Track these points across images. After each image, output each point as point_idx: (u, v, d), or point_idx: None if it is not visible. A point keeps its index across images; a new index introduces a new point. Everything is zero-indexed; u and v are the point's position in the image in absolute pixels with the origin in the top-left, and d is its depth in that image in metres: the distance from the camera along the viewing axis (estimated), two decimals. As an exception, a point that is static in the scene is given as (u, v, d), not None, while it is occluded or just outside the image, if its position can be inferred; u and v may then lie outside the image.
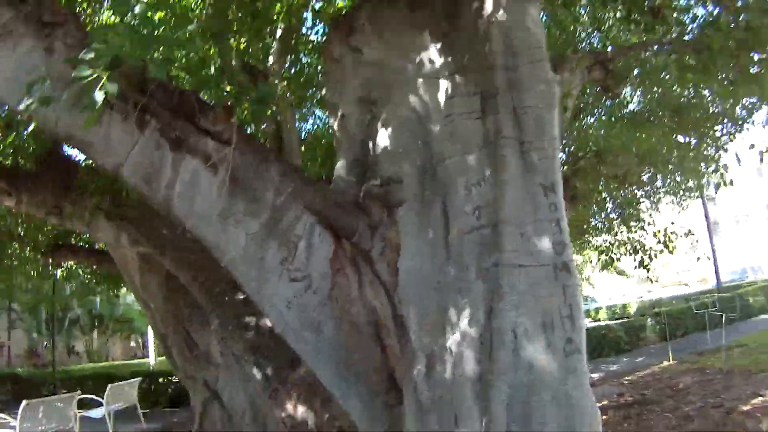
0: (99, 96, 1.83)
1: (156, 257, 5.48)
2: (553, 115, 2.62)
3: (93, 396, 6.54)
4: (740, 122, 7.73)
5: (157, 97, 2.49)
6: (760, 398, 4.64)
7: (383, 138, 3.01)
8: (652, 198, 9.69)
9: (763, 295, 16.19)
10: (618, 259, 10.05)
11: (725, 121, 7.70)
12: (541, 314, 2.43)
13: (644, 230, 9.39)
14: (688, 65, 4.76)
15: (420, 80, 3.00)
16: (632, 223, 9.34)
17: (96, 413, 6.49)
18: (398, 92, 3.05)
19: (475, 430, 2.40)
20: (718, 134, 7.84)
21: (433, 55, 3.01)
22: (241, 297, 4.97)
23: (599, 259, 10.81)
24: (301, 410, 3.96)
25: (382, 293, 2.90)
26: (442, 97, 2.93)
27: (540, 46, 2.71)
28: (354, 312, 2.93)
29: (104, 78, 1.84)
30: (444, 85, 2.94)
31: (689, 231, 9.44)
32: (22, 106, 2.30)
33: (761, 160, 6.24)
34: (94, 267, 7.24)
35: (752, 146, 6.24)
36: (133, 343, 32.79)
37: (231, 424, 4.98)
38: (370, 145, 3.17)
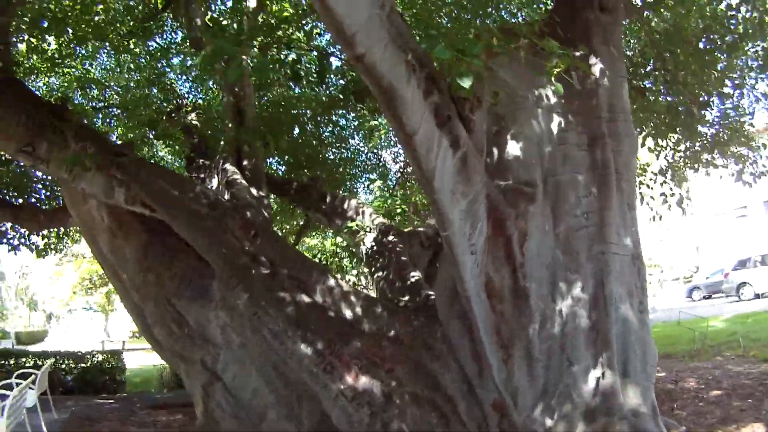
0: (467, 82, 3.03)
1: (157, 219, 5.80)
2: (635, 157, 4.78)
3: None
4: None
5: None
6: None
7: (514, 148, 4.72)
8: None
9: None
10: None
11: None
12: (626, 286, 4.50)
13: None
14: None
15: (539, 110, 4.83)
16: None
17: (28, 401, 6.10)
18: (522, 115, 4.81)
19: (588, 364, 4.27)
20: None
21: (549, 94, 4.88)
22: (265, 272, 5.83)
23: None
24: (363, 381, 5.03)
25: (505, 269, 4.56)
26: (555, 128, 4.82)
27: (628, 110, 4.86)
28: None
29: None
30: (557, 119, 4.84)
31: None
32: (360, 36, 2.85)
33: None
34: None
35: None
36: None
37: (238, 406, 5.65)
38: (495, 150, 4.83)
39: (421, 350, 5.11)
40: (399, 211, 11.09)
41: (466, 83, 2.89)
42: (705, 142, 6.70)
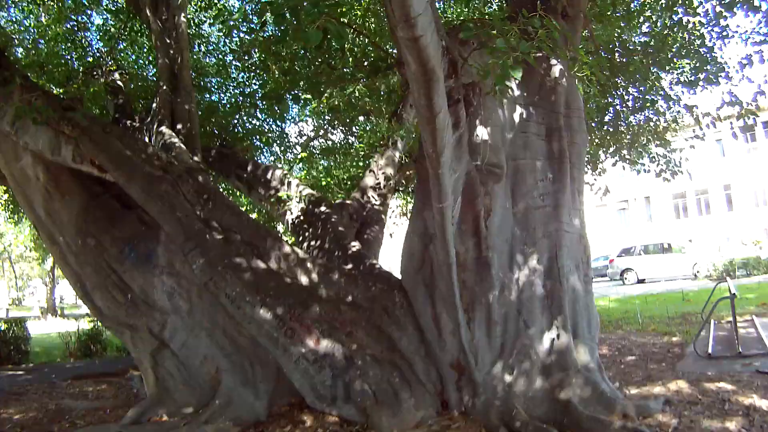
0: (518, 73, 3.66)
1: (97, 180, 5.81)
2: (585, 150, 5.73)
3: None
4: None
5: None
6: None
7: (483, 132, 5.44)
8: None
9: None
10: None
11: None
12: (574, 259, 5.45)
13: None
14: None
15: (505, 101, 5.61)
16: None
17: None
18: (490, 103, 5.55)
19: (543, 327, 5.16)
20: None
21: (513, 86, 5.67)
22: (219, 237, 6.07)
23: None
24: (325, 344, 5.55)
25: (470, 241, 5.32)
26: (517, 117, 5.64)
27: (582, 108, 5.79)
28: (451, 253, 5.24)
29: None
30: (519, 110, 5.66)
31: None
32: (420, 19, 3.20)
33: None
34: None
35: None
36: None
37: (189, 373, 5.87)
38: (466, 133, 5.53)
39: (380, 315, 5.65)
40: (323, 183, 11.59)
41: (518, 74, 3.53)
42: (625, 140, 7.98)
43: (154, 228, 6.10)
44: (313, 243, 8.42)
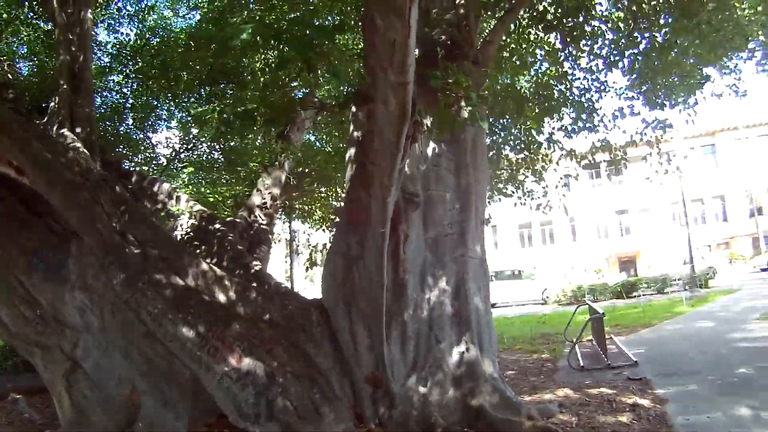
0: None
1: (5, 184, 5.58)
2: (487, 185, 6.78)
3: None
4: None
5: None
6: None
7: (405, 165, 6.24)
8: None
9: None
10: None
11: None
12: (477, 282, 6.40)
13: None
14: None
15: (421, 136, 6.48)
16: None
17: None
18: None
19: (452, 342, 6.01)
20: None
21: (428, 123, 6.57)
22: (136, 251, 6.16)
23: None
24: (247, 362, 5.84)
25: (390, 264, 6.03)
26: (430, 152, 6.54)
27: (485, 148, 6.82)
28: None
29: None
30: (432, 145, 6.57)
31: None
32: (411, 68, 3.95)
33: None
34: None
35: None
36: None
37: (104, 394, 5.83)
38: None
39: (297, 333, 6.09)
40: (212, 200, 11.73)
41: (485, 126, 4.37)
42: (503, 176, 9.31)
43: (66, 238, 6.03)
44: (209, 261, 8.60)
